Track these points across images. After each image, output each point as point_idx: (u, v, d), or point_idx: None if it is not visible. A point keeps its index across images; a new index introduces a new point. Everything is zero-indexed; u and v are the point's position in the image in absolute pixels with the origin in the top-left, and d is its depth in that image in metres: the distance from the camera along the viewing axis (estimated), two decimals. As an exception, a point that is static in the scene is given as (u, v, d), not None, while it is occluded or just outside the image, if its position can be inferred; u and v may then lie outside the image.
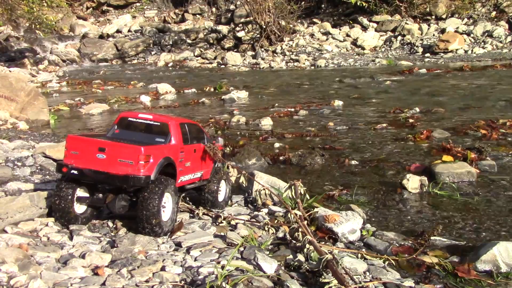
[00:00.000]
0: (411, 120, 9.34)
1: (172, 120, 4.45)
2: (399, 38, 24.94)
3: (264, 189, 5.09)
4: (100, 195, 4.11)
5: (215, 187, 4.82)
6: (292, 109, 11.27)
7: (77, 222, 4.04)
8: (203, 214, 4.57)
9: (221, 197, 4.93)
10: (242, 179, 4.95)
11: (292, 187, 4.57)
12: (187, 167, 4.41)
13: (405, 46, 24.16)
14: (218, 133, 9.06)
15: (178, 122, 4.44)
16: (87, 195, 4.14)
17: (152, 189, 3.83)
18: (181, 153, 4.30)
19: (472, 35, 23.49)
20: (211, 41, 29.21)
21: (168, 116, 4.79)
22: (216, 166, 4.93)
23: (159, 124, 4.37)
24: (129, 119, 4.51)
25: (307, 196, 4.79)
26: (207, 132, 5.10)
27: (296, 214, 4.05)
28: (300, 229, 3.83)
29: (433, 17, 25.77)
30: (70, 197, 3.99)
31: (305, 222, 4.13)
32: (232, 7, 32.96)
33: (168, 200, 3.98)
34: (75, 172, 3.90)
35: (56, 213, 4.01)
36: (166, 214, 3.95)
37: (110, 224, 4.22)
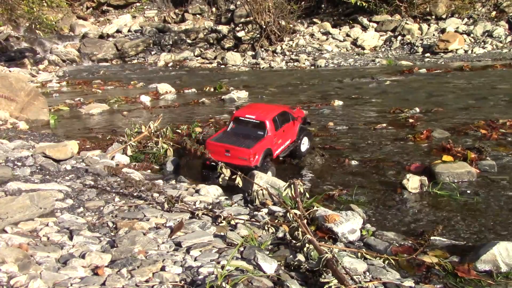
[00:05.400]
0: (411, 120, 9.34)
1: (268, 117, 6.23)
2: (399, 38, 24.94)
3: (261, 189, 5.08)
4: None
5: (299, 142, 6.79)
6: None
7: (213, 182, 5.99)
8: (203, 214, 4.56)
9: (303, 148, 6.97)
10: (237, 179, 4.96)
11: (292, 185, 4.56)
12: (279, 143, 6.33)
13: (405, 46, 24.17)
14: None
15: (271, 118, 6.24)
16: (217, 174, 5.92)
17: (260, 169, 5.84)
18: (275, 138, 6.22)
19: (472, 35, 23.50)
20: (211, 41, 29.22)
21: (265, 114, 6.36)
22: (299, 128, 6.78)
23: (258, 122, 6.20)
24: (240, 118, 6.31)
25: (307, 195, 4.79)
26: (293, 111, 6.93)
27: (295, 214, 4.05)
28: (300, 228, 3.82)
29: (433, 17, 25.77)
30: (211, 176, 6.10)
31: (305, 221, 4.13)
32: (232, 7, 32.96)
33: (269, 173, 5.93)
34: (214, 163, 5.80)
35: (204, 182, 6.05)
36: None
37: (110, 224, 4.22)
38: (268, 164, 6.12)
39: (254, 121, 6.21)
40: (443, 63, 20.12)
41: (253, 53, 25.96)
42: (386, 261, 3.79)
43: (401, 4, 26.29)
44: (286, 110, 6.71)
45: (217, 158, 5.80)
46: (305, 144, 7.03)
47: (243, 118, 6.28)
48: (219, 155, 5.92)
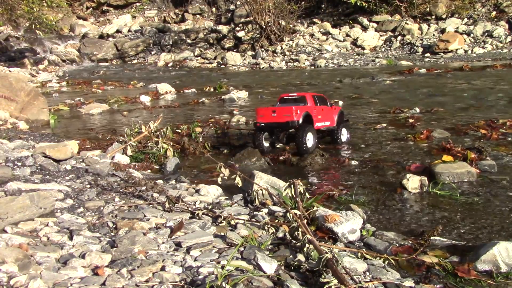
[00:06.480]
0: (411, 120, 9.35)
1: (308, 93, 7.65)
2: (399, 38, 24.95)
3: (261, 189, 5.08)
4: (274, 137, 7.57)
5: (338, 131, 7.90)
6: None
7: (265, 151, 7.41)
8: (203, 214, 4.56)
9: (343, 138, 8.02)
10: (237, 179, 4.95)
11: (292, 185, 4.56)
12: (319, 118, 7.52)
13: (405, 46, 24.18)
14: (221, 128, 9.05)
15: (310, 94, 7.63)
16: (268, 137, 7.55)
17: (301, 128, 6.98)
18: (314, 110, 7.39)
19: (472, 35, 23.51)
20: (211, 41, 29.23)
21: (305, 93, 7.80)
22: (337, 118, 7.94)
23: (300, 97, 7.53)
24: (285, 97, 7.66)
25: (307, 195, 4.78)
26: (329, 100, 8.20)
27: (295, 214, 4.05)
28: (300, 229, 3.82)
29: (433, 17, 25.78)
30: (261, 138, 7.35)
31: (305, 221, 4.13)
32: (232, 7, 32.96)
33: (310, 135, 7.11)
34: (263, 124, 7.16)
35: (255, 147, 7.35)
36: (309, 143, 7.09)
37: (110, 224, 4.22)
38: (310, 128, 7.15)
39: (296, 96, 7.59)
40: (443, 63, 20.14)
41: (253, 53, 25.97)
42: (386, 261, 3.79)
43: (401, 4, 26.30)
44: (324, 96, 8.06)
45: (265, 120, 7.13)
46: (344, 135, 8.07)
47: (287, 97, 7.64)
48: (267, 117, 7.11)
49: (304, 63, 23.03)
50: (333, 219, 4.35)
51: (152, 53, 29.56)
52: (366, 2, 25.42)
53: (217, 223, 4.35)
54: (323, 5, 30.05)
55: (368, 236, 4.35)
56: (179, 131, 9.01)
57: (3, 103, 10.12)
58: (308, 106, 7.33)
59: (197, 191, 5.49)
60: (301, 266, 3.47)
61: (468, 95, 12.10)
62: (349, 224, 4.33)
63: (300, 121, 7.01)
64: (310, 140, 7.10)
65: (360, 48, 24.96)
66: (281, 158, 7.30)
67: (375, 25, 26.55)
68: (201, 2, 34.59)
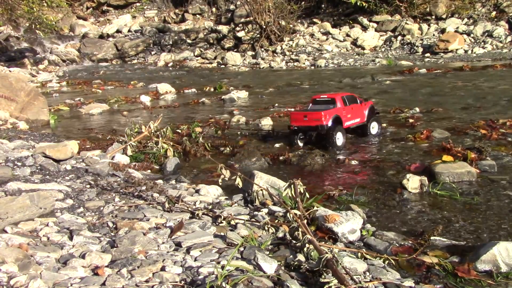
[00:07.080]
0: (411, 120, 9.34)
1: (337, 95, 7.99)
2: (399, 38, 24.95)
3: (261, 189, 5.08)
4: (307, 136, 7.97)
5: (368, 125, 8.29)
6: (292, 109, 11.28)
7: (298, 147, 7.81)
8: (203, 214, 4.56)
9: (374, 131, 8.39)
10: (237, 180, 4.96)
11: (292, 185, 4.55)
12: (349, 117, 7.94)
13: (405, 46, 24.17)
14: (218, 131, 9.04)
15: (340, 96, 7.97)
16: (302, 137, 7.98)
17: (330, 130, 7.50)
18: (344, 111, 7.83)
19: (472, 35, 23.50)
20: (211, 41, 29.21)
21: (336, 94, 8.19)
22: (367, 113, 8.27)
23: (330, 99, 7.91)
24: (316, 99, 8.06)
25: (307, 195, 4.78)
26: (359, 97, 8.53)
27: (295, 214, 4.05)
28: (300, 229, 3.82)
29: (433, 17, 25.77)
30: (295, 138, 7.91)
31: (305, 221, 4.12)
32: (232, 7, 32.95)
33: (339, 135, 7.63)
34: (296, 127, 7.75)
35: (290, 145, 7.89)
36: (339, 141, 7.64)
37: (110, 224, 4.22)
38: (339, 128, 7.68)
39: (327, 98, 7.98)
40: (443, 63, 20.13)
41: (253, 53, 25.97)
42: (386, 261, 3.79)
43: (401, 4, 26.29)
44: (354, 95, 8.46)
45: (298, 124, 7.67)
46: (375, 128, 8.44)
47: (319, 99, 8.05)
48: (299, 121, 7.65)
49: (304, 63, 23.03)
50: (333, 219, 4.35)
51: (152, 53, 29.55)
52: (366, 2, 25.40)
53: (217, 223, 4.35)
54: (323, 5, 30.02)
55: (368, 236, 4.35)
56: (179, 131, 9.01)
57: (3, 103, 10.12)
58: (337, 108, 7.70)
59: (197, 191, 5.50)
60: (301, 266, 3.47)
61: (468, 95, 12.10)
62: (349, 224, 4.33)
63: (330, 124, 7.47)
64: (339, 139, 7.65)
65: (360, 48, 24.95)
66: (281, 158, 7.31)
67: (375, 25, 26.54)
68: (201, 2, 34.58)
